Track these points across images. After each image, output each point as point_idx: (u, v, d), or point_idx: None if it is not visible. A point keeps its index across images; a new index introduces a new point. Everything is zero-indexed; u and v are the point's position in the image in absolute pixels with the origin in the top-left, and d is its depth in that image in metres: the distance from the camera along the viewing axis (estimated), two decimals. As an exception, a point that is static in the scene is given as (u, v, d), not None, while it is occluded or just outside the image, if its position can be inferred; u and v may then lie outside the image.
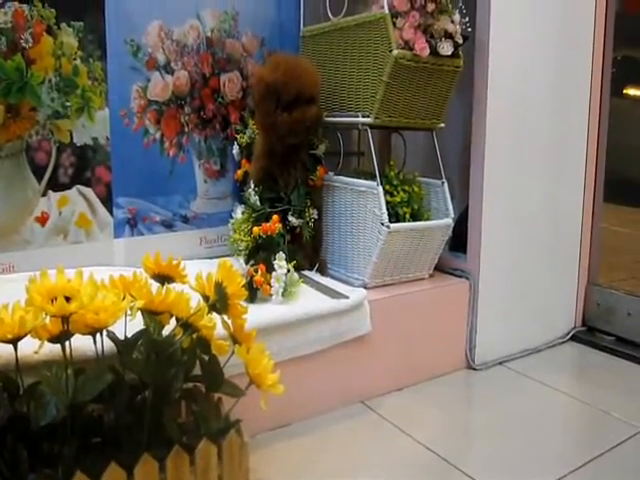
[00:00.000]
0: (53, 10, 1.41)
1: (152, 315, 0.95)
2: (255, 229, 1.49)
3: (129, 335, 0.94)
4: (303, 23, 1.78)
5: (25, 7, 1.37)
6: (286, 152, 1.55)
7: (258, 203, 1.57)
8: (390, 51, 1.42)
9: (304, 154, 1.59)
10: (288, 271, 1.38)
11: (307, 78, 1.50)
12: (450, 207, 1.61)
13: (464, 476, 1.18)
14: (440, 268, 1.70)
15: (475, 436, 1.40)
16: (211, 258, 1.64)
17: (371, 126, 1.52)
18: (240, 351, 0.96)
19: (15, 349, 0.84)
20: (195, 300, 0.97)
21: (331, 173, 1.63)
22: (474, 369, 1.66)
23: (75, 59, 1.46)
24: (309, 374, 1.35)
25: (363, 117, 1.51)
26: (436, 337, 1.61)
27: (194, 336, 0.97)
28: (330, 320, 1.35)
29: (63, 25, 1.43)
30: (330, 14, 1.62)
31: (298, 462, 1.21)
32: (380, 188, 1.47)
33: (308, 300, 1.38)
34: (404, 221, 1.53)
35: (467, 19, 1.50)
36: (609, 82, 1.89)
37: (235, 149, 1.73)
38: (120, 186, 1.55)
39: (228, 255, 1.61)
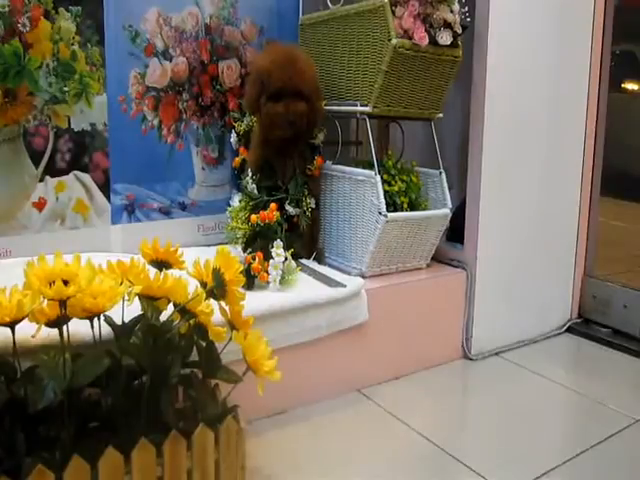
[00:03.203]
0: (51, -6, 1.40)
1: (150, 300, 0.95)
2: (253, 217, 1.49)
3: (127, 320, 0.94)
4: (302, 11, 1.77)
5: (23, -9, 1.36)
6: (283, 141, 1.54)
7: (255, 191, 1.56)
8: (389, 40, 1.42)
9: (302, 144, 1.59)
10: (286, 259, 1.38)
11: (296, 72, 1.48)
12: (448, 197, 1.61)
13: (459, 464, 1.18)
14: (437, 258, 1.70)
15: (471, 425, 1.40)
16: (209, 245, 1.63)
17: (369, 115, 1.52)
18: (237, 337, 0.96)
19: (13, 332, 0.84)
20: (193, 286, 0.97)
21: (329, 162, 1.62)
22: (470, 359, 1.66)
23: (73, 44, 1.45)
24: (306, 362, 1.36)
25: (361, 106, 1.51)
26: (433, 327, 1.61)
27: (191, 322, 0.97)
28: (327, 308, 1.36)
29: (61, 10, 1.42)
30: (329, 2, 1.61)
31: (294, 449, 1.21)
32: (378, 177, 1.47)
33: (305, 288, 1.38)
34: (402, 210, 1.53)
35: (466, 9, 1.49)
36: (607, 76, 1.88)
37: (233, 137, 1.72)
38: (118, 172, 1.55)
39: (226, 243, 1.60)
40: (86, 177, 1.51)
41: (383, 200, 1.45)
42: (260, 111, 1.50)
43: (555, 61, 1.73)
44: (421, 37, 1.43)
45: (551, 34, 1.71)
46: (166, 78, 1.60)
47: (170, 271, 0.98)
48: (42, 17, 1.40)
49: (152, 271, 0.97)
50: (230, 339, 0.98)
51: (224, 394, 0.99)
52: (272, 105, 1.47)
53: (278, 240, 1.40)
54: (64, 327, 0.86)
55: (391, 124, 1.88)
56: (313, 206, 1.58)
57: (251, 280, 1.34)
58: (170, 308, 0.97)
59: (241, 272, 0.97)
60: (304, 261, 1.55)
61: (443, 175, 1.63)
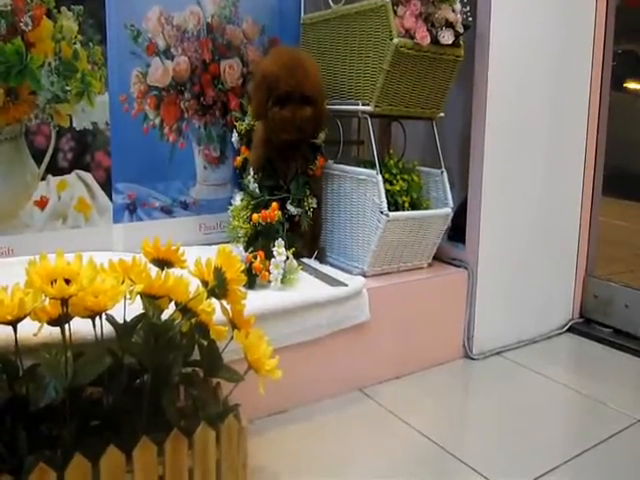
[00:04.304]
0: (53, -7, 1.40)
1: (151, 299, 0.95)
2: (254, 216, 1.49)
3: (128, 319, 0.94)
4: (304, 10, 1.77)
5: (25, -10, 1.37)
6: (286, 143, 1.54)
7: (257, 190, 1.57)
8: (391, 39, 1.42)
9: (304, 146, 1.58)
10: (287, 258, 1.38)
11: (304, 76, 1.47)
12: (449, 196, 1.61)
13: (460, 463, 1.18)
14: (439, 258, 1.70)
15: (471, 425, 1.40)
16: (210, 244, 1.63)
17: (371, 114, 1.51)
18: (239, 336, 0.96)
19: (15, 331, 0.84)
20: (194, 285, 0.97)
21: (331, 161, 1.62)
22: (472, 359, 1.66)
23: (75, 43, 1.45)
24: (307, 361, 1.36)
25: (363, 105, 1.51)
26: (434, 326, 1.61)
27: (193, 321, 0.97)
28: (329, 307, 1.36)
29: (63, 9, 1.42)
30: (331, 1, 1.61)
31: (295, 448, 1.21)
32: (380, 177, 1.47)
33: (307, 287, 1.38)
34: (403, 210, 1.53)
35: (468, 9, 1.49)
36: (609, 75, 1.88)
37: (234, 136, 1.72)
38: (119, 171, 1.55)
39: (227, 242, 1.60)
40: (88, 176, 1.51)
41: (385, 199, 1.45)
42: (266, 116, 1.50)
43: (557, 60, 1.73)
44: (423, 36, 1.43)
45: (553, 33, 1.71)
46: (168, 77, 1.60)
47: (172, 270, 0.98)
48: (44, 16, 1.40)
49: (154, 270, 0.97)
50: (231, 338, 0.98)
51: (225, 393, 0.99)
52: (278, 110, 1.47)
53: (280, 239, 1.40)
54: (66, 326, 0.86)
55: (393, 123, 1.88)
56: (315, 206, 1.58)
57: (252, 279, 1.34)
58: (172, 307, 0.96)
59: (242, 271, 0.97)
60: (305, 260, 1.54)
61: (445, 174, 1.63)
